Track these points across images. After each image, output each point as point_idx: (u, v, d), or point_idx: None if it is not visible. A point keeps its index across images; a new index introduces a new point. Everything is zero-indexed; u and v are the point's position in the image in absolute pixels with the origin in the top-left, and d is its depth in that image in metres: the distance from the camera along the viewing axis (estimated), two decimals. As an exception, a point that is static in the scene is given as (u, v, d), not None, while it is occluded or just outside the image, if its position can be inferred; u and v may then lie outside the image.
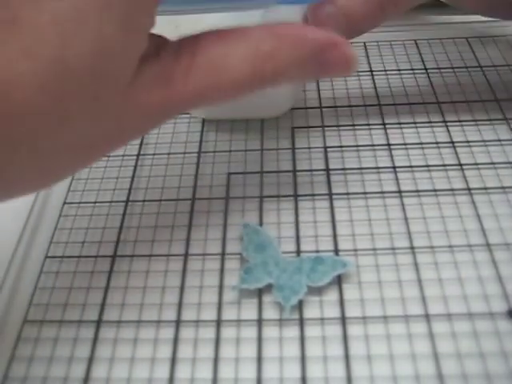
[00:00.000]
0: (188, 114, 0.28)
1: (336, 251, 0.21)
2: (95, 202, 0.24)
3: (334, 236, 0.22)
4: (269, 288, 0.20)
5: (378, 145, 0.25)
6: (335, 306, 0.19)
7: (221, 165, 0.25)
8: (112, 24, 0.14)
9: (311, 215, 0.23)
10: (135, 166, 0.26)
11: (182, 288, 0.21)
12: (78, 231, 0.23)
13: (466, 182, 0.23)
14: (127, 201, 0.24)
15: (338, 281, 0.20)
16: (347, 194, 0.23)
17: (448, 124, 0.26)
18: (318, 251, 0.21)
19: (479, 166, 0.24)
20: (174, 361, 0.19)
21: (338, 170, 0.24)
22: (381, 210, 0.22)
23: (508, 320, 0.19)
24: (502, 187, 0.23)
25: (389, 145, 0.25)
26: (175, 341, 0.19)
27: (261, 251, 0.21)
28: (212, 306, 0.20)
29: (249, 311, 0.20)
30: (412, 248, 0.21)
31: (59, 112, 0.14)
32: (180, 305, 0.20)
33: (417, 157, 0.24)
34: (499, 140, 0.25)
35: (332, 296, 0.20)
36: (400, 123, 0.26)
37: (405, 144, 0.25)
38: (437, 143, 0.25)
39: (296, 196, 0.23)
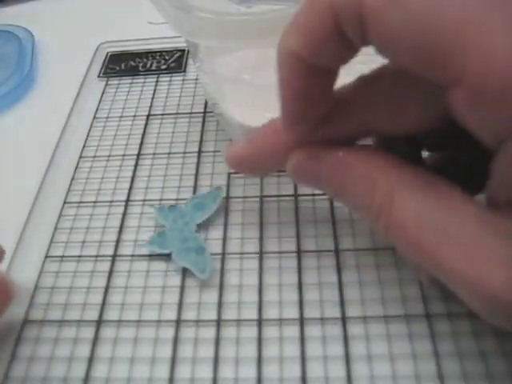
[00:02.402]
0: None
1: (336, 250, 0.21)
2: (95, 202, 0.24)
3: (335, 235, 0.22)
4: (269, 288, 0.20)
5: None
6: (335, 305, 0.19)
7: (221, 165, 0.25)
8: None
9: (311, 215, 0.23)
10: (135, 166, 0.26)
11: (181, 288, 0.21)
12: (77, 231, 0.23)
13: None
14: (127, 201, 0.24)
15: (339, 280, 0.20)
16: (347, 193, 0.23)
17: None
18: (318, 251, 0.21)
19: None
20: (174, 361, 0.19)
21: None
22: (381, 210, 0.22)
23: (508, 320, 0.18)
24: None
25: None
26: (175, 341, 0.19)
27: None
28: (212, 306, 0.20)
29: (249, 311, 0.20)
30: (412, 248, 0.21)
31: None
32: (180, 305, 0.20)
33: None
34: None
35: (332, 296, 0.20)
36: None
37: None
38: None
39: (296, 196, 0.23)
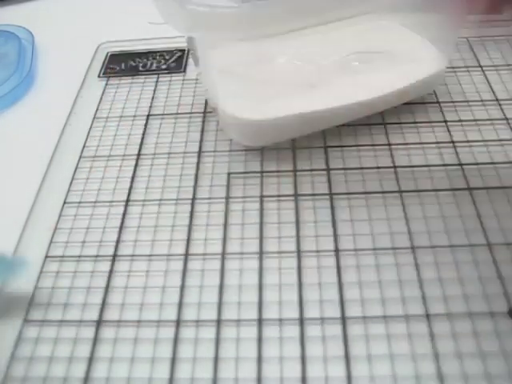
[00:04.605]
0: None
1: (336, 251, 0.21)
2: (95, 202, 0.24)
3: (335, 236, 0.22)
4: (269, 288, 0.20)
5: (378, 144, 0.25)
6: (335, 305, 0.19)
7: (221, 165, 0.25)
8: None
9: (311, 215, 0.23)
10: (135, 166, 0.26)
11: (182, 288, 0.21)
12: (77, 231, 0.23)
13: (467, 181, 0.23)
14: (127, 201, 0.24)
15: (339, 280, 0.20)
16: (347, 193, 0.23)
17: (448, 123, 0.26)
18: (318, 251, 0.21)
19: (479, 166, 0.24)
20: (174, 361, 0.19)
21: (338, 170, 0.24)
22: (381, 210, 0.22)
23: (508, 320, 0.18)
24: (502, 187, 0.23)
25: (389, 144, 0.25)
26: (175, 341, 0.19)
27: None
28: (212, 306, 0.20)
29: (249, 311, 0.20)
30: (412, 248, 0.21)
31: None
32: (180, 305, 0.20)
33: (417, 156, 0.24)
34: (499, 140, 0.25)
35: (332, 296, 0.20)
36: (400, 123, 0.26)
37: (405, 143, 0.25)
38: (437, 143, 0.25)
39: (296, 196, 0.23)
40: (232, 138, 0.26)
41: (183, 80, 0.31)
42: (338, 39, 0.26)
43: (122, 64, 0.32)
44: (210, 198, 0.24)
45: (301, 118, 0.24)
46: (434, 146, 0.25)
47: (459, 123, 0.26)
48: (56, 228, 0.23)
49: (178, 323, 0.20)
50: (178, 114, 0.28)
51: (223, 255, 0.21)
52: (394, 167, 0.24)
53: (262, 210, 0.23)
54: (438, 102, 0.27)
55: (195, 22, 0.19)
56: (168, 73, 0.31)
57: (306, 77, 0.25)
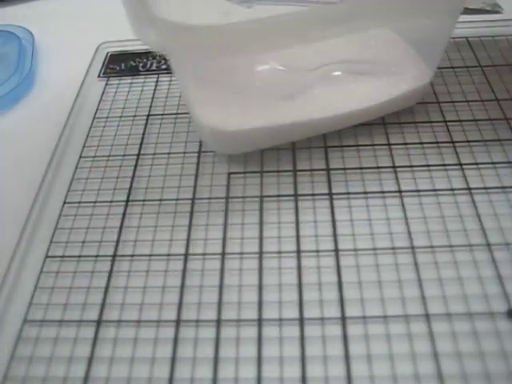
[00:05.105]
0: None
1: (336, 251, 0.21)
2: (95, 202, 0.24)
3: (334, 236, 0.22)
4: (269, 288, 0.20)
5: (378, 144, 0.25)
6: (335, 306, 0.19)
7: (221, 165, 0.25)
8: None
9: (311, 215, 0.23)
10: (135, 166, 0.26)
11: (182, 288, 0.21)
12: (77, 231, 0.23)
13: (466, 181, 0.23)
14: (127, 201, 0.24)
15: (339, 280, 0.20)
16: (347, 193, 0.23)
17: (448, 124, 0.26)
18: (317, 251, 0.21)
19: (479, 166, 0.24)
20: (173, 361, 0.19)
21: (338, 170, 0.24)
22: (381, 210, 0.22)
23: (508, 320, 0.19)
24: (502, 187, 0.23)
25: (389, 144, 0.25)
26: (175, 341, 0.19)
27: None
28: (212, 306, 0.20)
29: (249, 311, 0.20)
30: (412, 248, 0.21)
31: None
32: (180, 305, 0.20)
33: (417, 156, 0.24)
34: (499, 140, 0.25)
35: (332, 296, 0.20)
36: (400, 123, 0.26)
37: (405, 143, 0.25)
38: (437, 143, 0.25)
39: (296, 196, 0.23)
40: (208, 147, 0.26)
41: (183, 80, 0.31)
42: (325, 48, 0.25)
43: (122, 64, 0.32)
44: (209, 198, 0.24)
45: (276, 130, 0.23)
46: (434, 145, 0.25)
47: (459, 123, 0.26)
48: (56, 228, 0.23)
49: (178, 323, 0.20)
50: (177, 114, 0.28)
51: (223, 255, 0.21)
52: (394, 167, 0.24)
53: (261, 209, 0.23)
54: (437, 102, 0.27)
55: (167, 38, 0.18)
56: (168, 73, 0.31)
57: (286, 86, 0.24)
